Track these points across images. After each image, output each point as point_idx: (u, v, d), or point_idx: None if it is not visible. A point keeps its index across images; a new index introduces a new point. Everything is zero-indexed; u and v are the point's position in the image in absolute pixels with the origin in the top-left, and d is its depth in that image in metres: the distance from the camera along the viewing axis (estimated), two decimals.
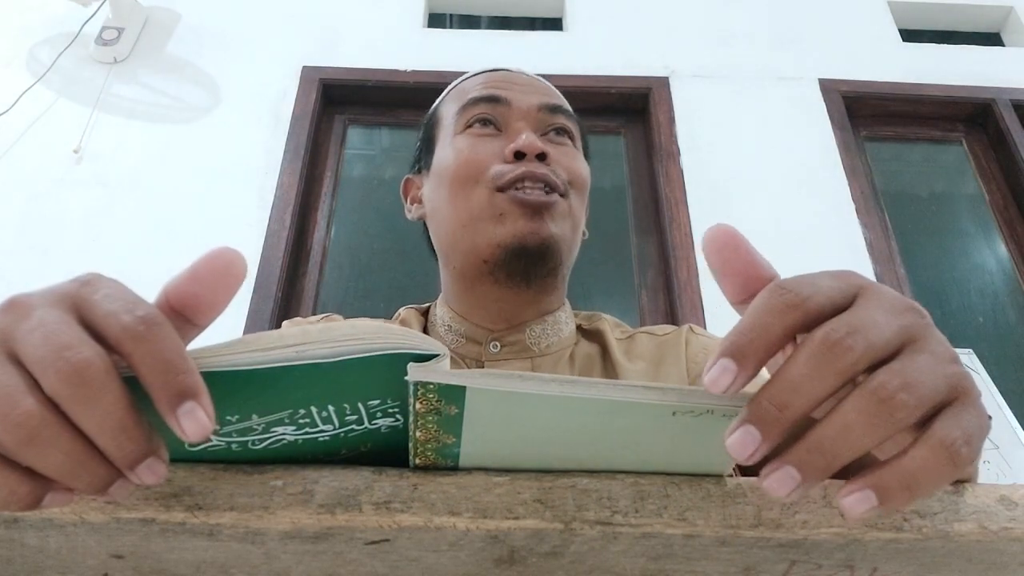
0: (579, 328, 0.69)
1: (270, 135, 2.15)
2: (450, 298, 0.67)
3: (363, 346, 0.27)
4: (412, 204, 0.72)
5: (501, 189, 0.59)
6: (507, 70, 0.70)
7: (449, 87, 0.72)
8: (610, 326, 0.68)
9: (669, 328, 0.69)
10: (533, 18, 2.63)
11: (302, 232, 2.07)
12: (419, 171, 0.71)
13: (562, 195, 0.61)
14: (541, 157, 0.60)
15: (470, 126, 0.64)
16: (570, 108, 0.69)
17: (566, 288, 0.68)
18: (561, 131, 0.66)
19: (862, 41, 2.46)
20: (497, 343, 0.63)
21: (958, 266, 2.16)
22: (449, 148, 0.64)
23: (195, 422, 0.24)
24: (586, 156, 0.69)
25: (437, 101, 0.72)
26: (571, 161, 0.64)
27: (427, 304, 0.72)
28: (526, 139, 0.59)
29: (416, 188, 0.71)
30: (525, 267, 0.59)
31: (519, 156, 0.60)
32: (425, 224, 0.70)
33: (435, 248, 0.68)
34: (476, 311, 0.64)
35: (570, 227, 0.62)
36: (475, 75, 0.70)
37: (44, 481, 0.25)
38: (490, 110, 0.63)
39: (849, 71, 2.36)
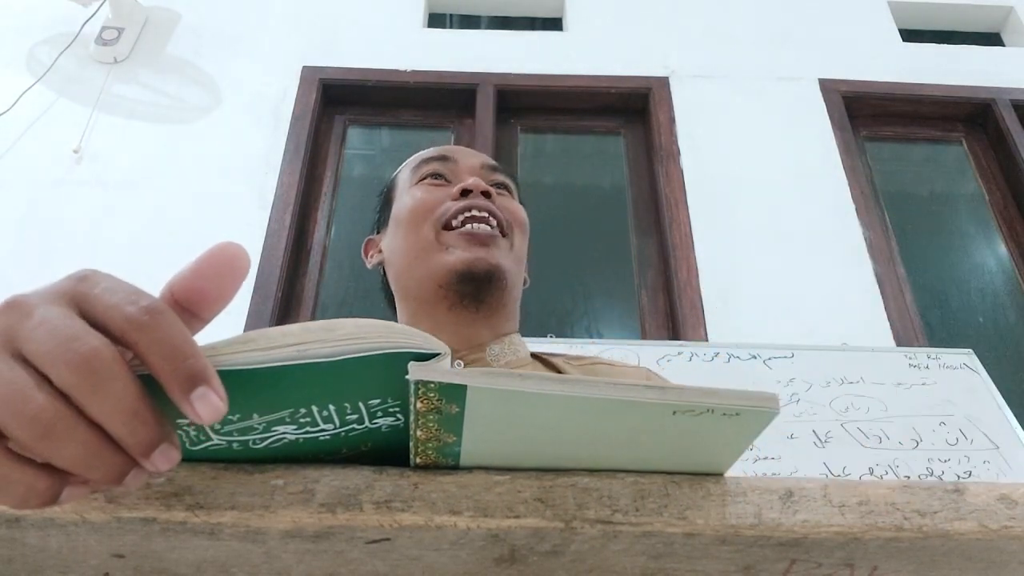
0: (534, 355, 0.73)
1: (270, 135, 2.15)
2: None
3: (364, 345, 0.27)
4: (371, 257, 0.78)
5: (447, 227, 0.66)
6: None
7: (402, 165, 0.80)
8: (564, 357, 0.73)
9: (627, 365, 0.74)
10: (533, 18, 2.63)
11: (302, 232, 2.07)
12: (378, 231, 0.78)
13: (504, 235, 0.68)
14: (486, 195, 0.67)
15: (423, 179, 0.72)
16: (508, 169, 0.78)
17: (518, 318, 0.73)
18: (501, 186, 0.73)
19: (862, 41, 2.46)
20: (460, 362, 0.67)
21: (958, 266, 2.17)
22: (406, 196, 0.72)
23: (208, 405, 0.24)
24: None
25: (394, 174, 0.81)
26: (512, 206, 0.71)
27: None
28: (473, 180, 0.67)
29: (375, 245, 0.78)
30: (475, 290, 0.64)
31: (465, 194, 0.67)
32: (383, 273, 0.76)
33: (393, 288, 0.73)
34: (437, 336, 0.67)
35: (513, 262, 0.68)
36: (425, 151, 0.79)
37: (61, 475, 0.25)
38: (440, 166, 0.72)
39: (849, 71, 2.36)
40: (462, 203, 0.65)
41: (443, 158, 0.73)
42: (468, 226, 0.65)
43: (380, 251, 0.76)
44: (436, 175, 0.71)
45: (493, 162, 0.76)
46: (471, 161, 0.73)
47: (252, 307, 1.81)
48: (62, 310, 0.25)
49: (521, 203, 0.76)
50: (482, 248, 0.64)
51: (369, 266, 0.78)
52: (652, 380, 0.71)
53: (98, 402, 0.24)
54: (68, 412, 0.23)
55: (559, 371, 0.69)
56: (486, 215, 0.66)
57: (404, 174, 0.76)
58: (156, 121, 2.18)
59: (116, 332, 0.25)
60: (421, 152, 0.77)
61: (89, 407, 0.24)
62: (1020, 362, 1.99)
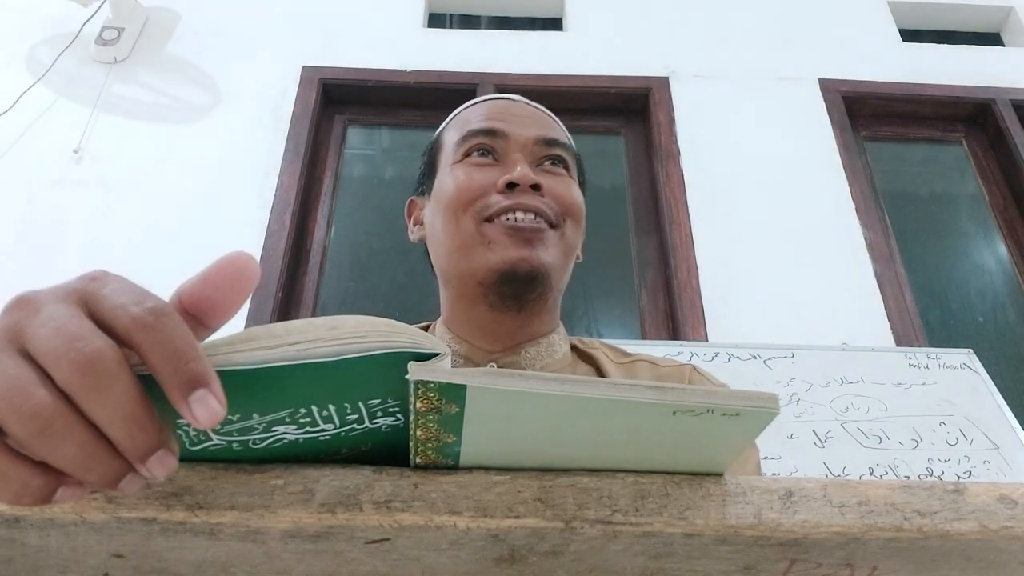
0: (574, 349, 0.70)
1: (270, 135, 2.15)
2: (450, 319, 0.68)
3: (364, 345, 0.27)
4: (415, 225, 0.73)
5: (488, 219, 0.61)
6: (509, 98, 0.71)
7: (453, 113, 0.73)
8: (606, 351, 0.70)
9: (671, 361, 0.70)
10: (533, 18, 2.63)
11: (302, 232, 2.07)
12: (422, 193, 0.73)
13: (553, 226, 0.63)
14: (535, 188, 0.61)
15: (468, 155, 0.65)
16: (568, 140, 0.70)
17: (559, 311, 0.70)
18: (557, 161, 0.67)
19: (862, 41, 2.46)
20: (494, 364, 0.65)
21: (958, 266, 2.17)
22: (448, 176, 0.66)
23: (207, 409, 0.24)
24: (582, 185, 0.71)
25: (442, 126, 0.74)
26: (565, 190, 0.65)
27: (426, 323, 0.73)
28: (520, 171, 0.61)
29: (419, 209, 0.73)
30: (516, 292, 0.61)
31: (512, 187, 0.61)
32: (426, 245, 0.72)
33: (435, 270, 0.70)
34: (474, 333, 0.66)
35: (562, 255, 0.64)
36: (478, 103, 0.71)
37: (57, 474, 0.25)
38: (488, 141, 0.65)
39: (849, 71, 2.36)
40: (506, 202, 0.60)
41: (492, 132, 0.65)
42: (510, 216, 0.60)
43: (422, 224, 0.71)
44: (483, 150, 0.65)
45: (549, 134, 0.67)
46: (523, 136, 0.65)
47: (252, 307, 1.81)
48: (70, 309, 0.25)
49: (581, 177, 0.71)
50: (527, 246, 0.59)
51: (412, 238, 0.73)
52: (693, 378, 0.67)
53: (98, 403, 0.24)
54: (67, 411, 0.24)
55: (600, 369, 0.67)
56: (532, 215, 0.60)
57: (451, 139, 0.68)
58: (156, 121, 2.18)
59: (121, 332, 0.25)
60: (471, 114, 0.69)
61: (89, 408, 0.24)
62: (1020, 362, 1.99)
